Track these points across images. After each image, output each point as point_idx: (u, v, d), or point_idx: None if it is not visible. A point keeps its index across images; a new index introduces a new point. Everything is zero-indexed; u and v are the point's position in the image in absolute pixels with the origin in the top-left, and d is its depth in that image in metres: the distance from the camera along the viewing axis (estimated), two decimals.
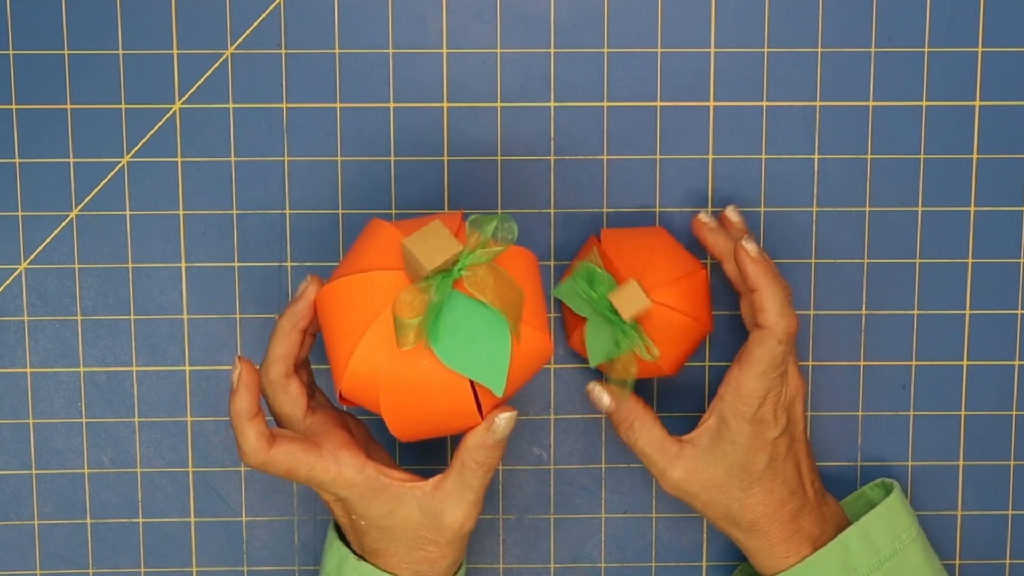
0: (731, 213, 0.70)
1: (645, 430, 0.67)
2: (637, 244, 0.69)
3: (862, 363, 0.75)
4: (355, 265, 0.61)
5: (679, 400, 0.75)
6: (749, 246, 0.65)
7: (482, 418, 0.62)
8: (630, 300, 0.66)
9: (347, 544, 0.67)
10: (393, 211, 0.73)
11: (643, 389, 0.74)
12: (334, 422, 0.64)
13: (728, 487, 0.66)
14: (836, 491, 0.74)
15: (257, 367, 0.62)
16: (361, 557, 0.65)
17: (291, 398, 0.64)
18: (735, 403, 0.65)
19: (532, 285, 0.62)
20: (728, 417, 0.66)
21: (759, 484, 0.66)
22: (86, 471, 0.75)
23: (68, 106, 0.72)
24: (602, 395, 0.68)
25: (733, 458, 0.66)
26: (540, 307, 0.62)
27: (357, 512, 0.63)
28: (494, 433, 0.62)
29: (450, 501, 0.63)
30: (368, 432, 0.69)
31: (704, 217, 0.70)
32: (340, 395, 0.61)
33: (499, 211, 0.68)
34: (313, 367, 0.71)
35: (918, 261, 0.74)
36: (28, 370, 0.74)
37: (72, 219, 0.73)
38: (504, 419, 0.61)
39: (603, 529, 0.76)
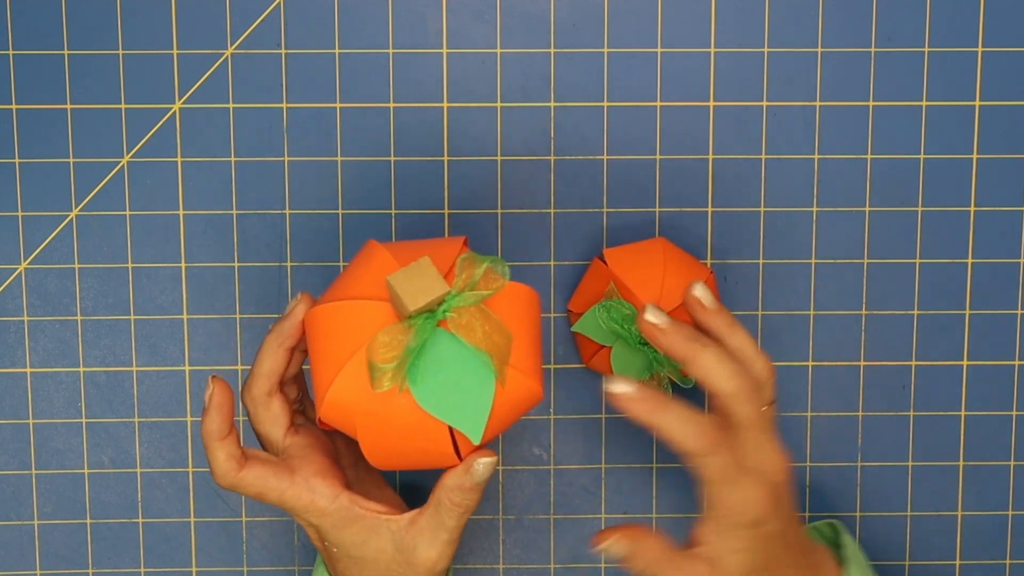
0: (699, 291, 0.63)
1: (665, 563, 0.60)
2: (646, 262, 0.68)
3: (862, 363, 0.75)
4: (346, 290, 0.59)
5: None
6: (702, 294, 0.62)
7: (460, 459, 0.60)
8: None
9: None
10: (393, 211, 0.73)
11: None
12: (316, 444, 0.63)
13: None
14: (836, 492, 0.74)
15: (230, 388, 0.60)
16: None
17: (272, 416, 0.62)
18: (720, 519, 0.60)
19: (528, 326, 0.60)
20: (719, 531, 0.59)
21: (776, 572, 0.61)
22: (86, 471, 0.75)
23: (68, 106, 0.72)
24: (617, 547, 0.60)
25: (741, 569, 0.60)
26: (533, 349, 0.60)
27: (330, 539, 0.62)
28: (471, 476, 0.60)
29: (424, 538, 0.61)
30: (358, 451, 0.67)
31: (651, 315, 0.61)
32: (319, 420, 0.60)
33: (496, 256, 0.66)
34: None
35: (918, 261, 0.74)
36: (28, 370, 0.74)
37: (72, 219, 0.73)
38: (483, 464, 0.60)
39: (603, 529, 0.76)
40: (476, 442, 0.58)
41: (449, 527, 0.61)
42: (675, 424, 0.58)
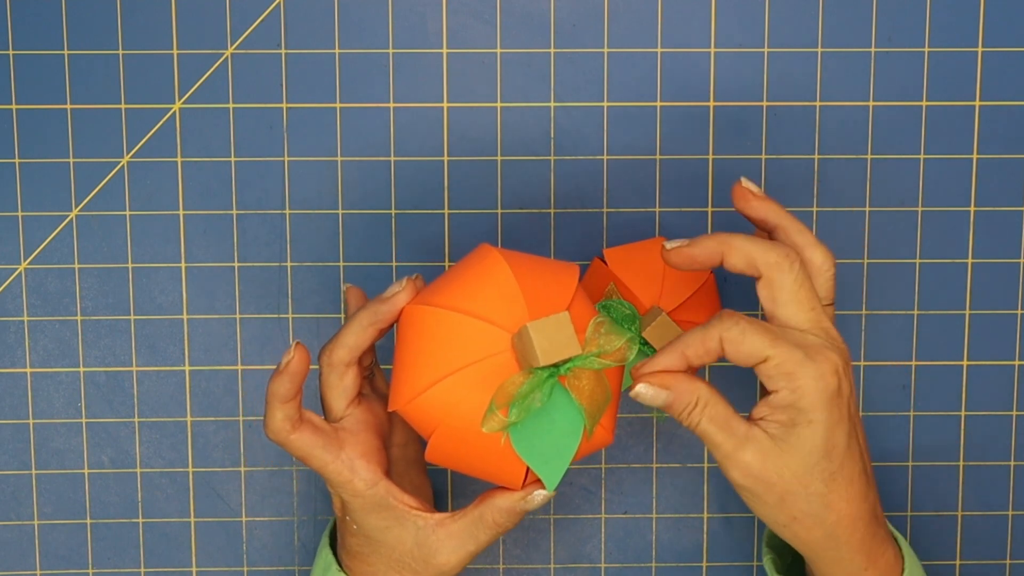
0: (747, 184, 0.62)
1: (709, 407, 0.57)
2: (645, 262, 0.68)
3: (863, 363, 0.75)
4: (461, 301, 0.59)
5: None
6: (748, 184, 0.61)
7: (522, 486, 0.61)
8: (664, 335, 0.65)
9: (335, 550, 0.66)
10: (393, 211, 0.73)
11: None
12: (372, 422, 0.63)
13: (808, 479, 0.57)
14: None
15: (310, 358, 0.61)
16: (341, 568, 0.65)
17: (343, 386, 0.62)
18: (789, 329, 0.58)
19: (618, 384, 0.61)
20: (795, 402, 0.56)
21: (840, 473, 0.57)
22: (86, 471, 0.75)
23: (68, 106, 0.72)
24: (654, 392, 0.58)
25: (813, 442, 0.56)
26: (616, 405, 0.61)
27: (353, 517, 0.63)
28: (527, 504, 0.61)
29: (450, 544, 0.62)
30: (412, 434, 0.68)
31: (747, 183, 0.62)
32: (392, 407, 0.60)
33: (630, 330, 0.65)
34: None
35: (918, 261, 0.74)
36: (28, 370, 0.74)
37: (72, 219, 0.73)
38: (543, 496, 0.60)
39: (603, 529, 0.76)
40: (551, 490, 0.59)
41: (480, 541, 0.62)
42: (749, 243, 0.58)
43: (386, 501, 0.62)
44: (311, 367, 0.61)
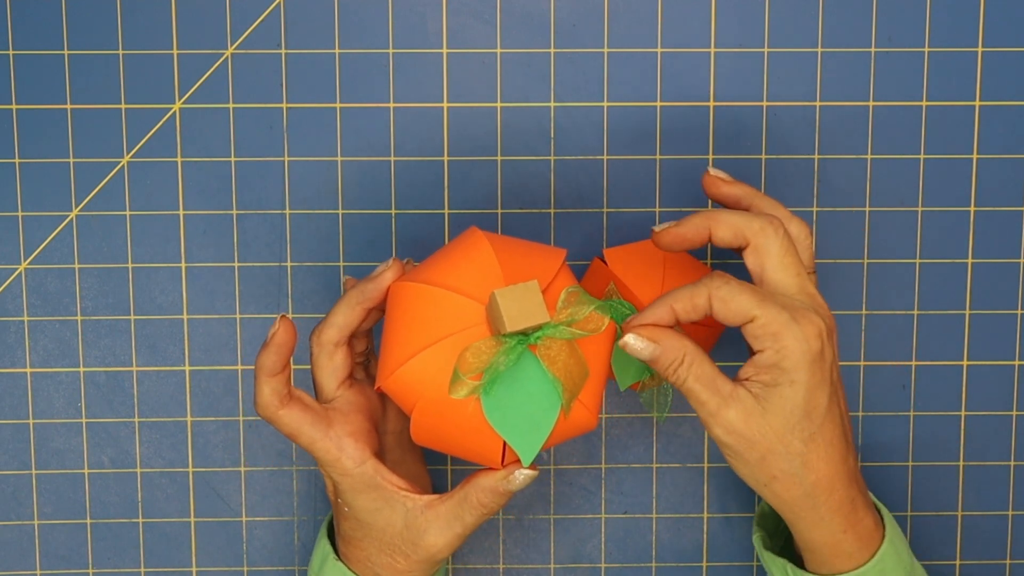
0: (715, 172, 0.65)
1: (696, 366, 0.58)
2: (645, 262, 0.68)
3: (862, 363, 0.75)
4: (442, 276, 0.60)
5: (680, 400, 0.75)
6: (716, 172, 0.64)
7: (502, 464, 0.61)
8: None
9: (334, 541, 0.67)
10: (393, 211, 0.73)
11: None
12: (362, 405, 0.64)
13: (789, 438, 0.58)
14: None
15: (295, 330, 0.61)
16: (339, 558, 0.65)
17: (333, 366, 0.63)
18: (778, 295, 0.59)
19: (603, 364, 0.61)
20: (779, 362, 0.58)
21: (820, 434, 0.58)
22: (86, 471, 0.75)
23: (68, 106, 0.72)
24: (643, 344, 0.58)
25: (794, 401, 0.58)
26: (600, 386, 0.61)
27: (344, 498, 0.63)
28: (508, 483, 0.61)
29: (437, 525, 0.62)
30: (407, 422, 0.68)
31: (715, 171, 0.65)
32: (377, 386, 0.61)
33: (615, 299, 0.66)
34: None
35: (918, 261, 0.74)
36: (28, 370, 0.74)
37: (72, 219, 0.73)
38: (524, 475, 0.61)
39: (603, 529, 0.76)
40: (526, 464, 0.60)
41: (466, 523, 0.62)
42: (731, 215, 0.59)
43: (374, 480, 0.62)
44: (298, 339, 0.62)
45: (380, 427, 0.67)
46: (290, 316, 0.61)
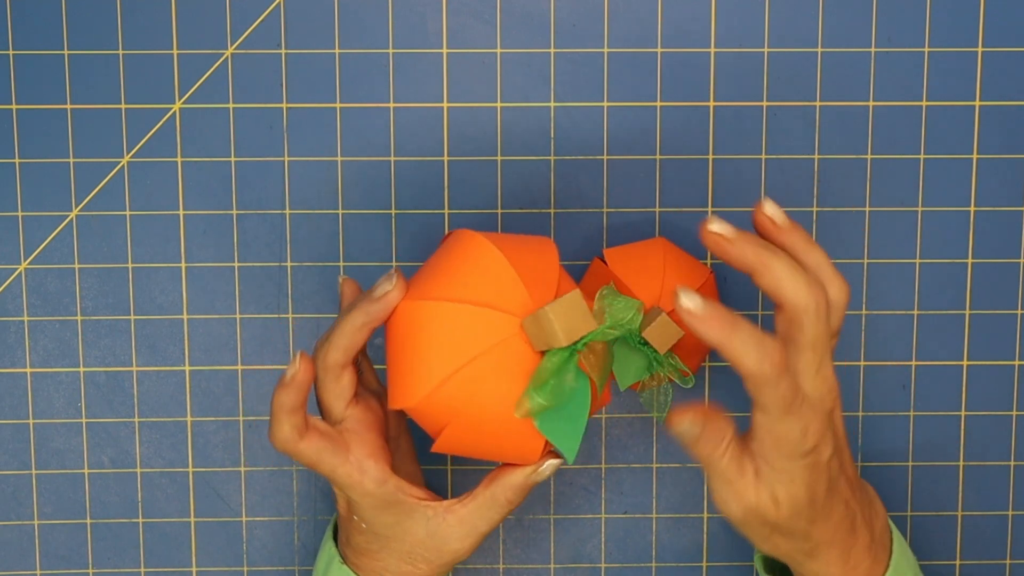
0: (770, 209, 0.59)
1: (733, 448, 0.57)
2: (645, 262, 0.68)
3: (862, 363, 0.75)
4: (458, 290, 0.59)
5: (680, 400, 0.75)
6: (717, 227, 0.56)
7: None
8: (664, 335, 0.65)
9: (339, 543, 0.67)
10: (393, 211, 0.73)
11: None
12: (372, 420, 0.63)
13: (796, 519, 0.59)
14: None
15: (314, 367, 0.61)
16: (344, 560, 0.65)
17: (340, 388, 0.62)
18: (775, 450, 0.57)
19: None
20: (774, 463, 0.57)
21: (823, 514, 0.59)
22: (86, 471, 0.75)
23: (68, 106, 0.72)
24: (690, 425, 0.57)
25: (796, 495, 0.57)
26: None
27: (361, 516, 0.63)
28: (538, 476, 0.61)
29: (462, 528, 0.62)
30: (404, 424, 0.68)
31: (716, 226, 0.56)
32: (398, 408, 0.60)
33: (631, 298, 0.66)
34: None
35: (918, 261, 0.74)
36: (28, 370, 0.74)
37: (72, 219, 0.73)
38: (552, 465, 0.61)
39: (603, 529, 0.76)
40: (570, 462, 0.59)
41: (493, 521, 0.62)
42: (747, 345, 0.53)
43: (396, 497, 0.62)
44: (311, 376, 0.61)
45: (388, 437, 0.66)
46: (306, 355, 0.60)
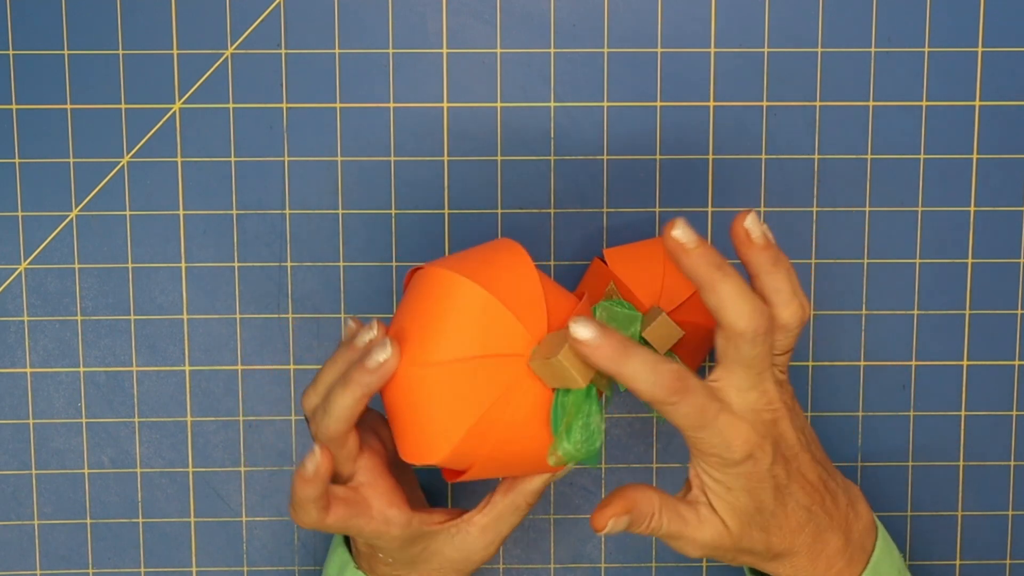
0: (750, 223, 0.58)
1: (666, 511, 0.59)
2: (645, 262, 0.68)
3: (862, 363, 0.75)
4: (456, 347, 0.57)
5: None
6: (679, 232, 0.56)
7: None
8: (664, 335, 0.65)
9: (350, 548, 0.66)
10: (393, 211, 0.73)
11: None
12: (379, 464, 0.62)
13: (750, 532, 0.60)
14: None
15: (333, 458, 0.60)
16: (359, 567, 0.65)
17: (346, 452, 0.61)
18: (703, 460, 0.58)
19: None
20: (709, 472, 0.58)
21: (776, 522, 0.60)
22: (86, 471, 0.75)
23: (68, 106, 0.72)
24: (614, 523, 0.58)
25: (737, 507, 0.59)
26: None
27: (387, 553, 0.63)
28: (555, 478, 0.62)
29: (486, 537, 0.63)
30: (395, 448, 0.68)
31: (679, 232, 0.56)
32: (412, 461, 0.59)
33: (620, 300, 0.66)
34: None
35: (918, 261, 0.74)
36: (28, 370, 0.74)
37: (72, 219, 0.73)
38: (569, 468, 0.61)
39: None
40: (595, 465, 0.60)
41: (514, 525, 0.63)
42: (639, 372, 0.54)
43: (420, 531, 0.62)
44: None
45: (394, 469, 0.65)
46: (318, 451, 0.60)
